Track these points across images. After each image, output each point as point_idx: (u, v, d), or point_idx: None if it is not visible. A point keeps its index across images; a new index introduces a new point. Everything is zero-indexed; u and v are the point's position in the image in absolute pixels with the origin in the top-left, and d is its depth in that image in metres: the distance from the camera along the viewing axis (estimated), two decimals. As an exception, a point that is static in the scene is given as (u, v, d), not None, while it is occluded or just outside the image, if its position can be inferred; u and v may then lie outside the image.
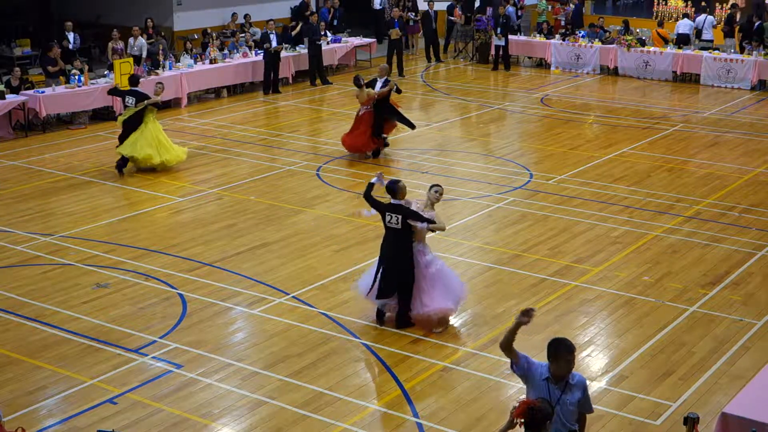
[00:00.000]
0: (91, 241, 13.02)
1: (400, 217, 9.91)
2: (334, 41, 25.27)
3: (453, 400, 8.90)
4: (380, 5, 29.36)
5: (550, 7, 28.56)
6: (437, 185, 10.31)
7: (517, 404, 5.88)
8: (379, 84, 16.79)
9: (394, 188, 10.04)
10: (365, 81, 17.01)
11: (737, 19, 25.90)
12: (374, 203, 10.19)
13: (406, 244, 10.05)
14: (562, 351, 6.38)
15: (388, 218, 10.02)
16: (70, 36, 22.11)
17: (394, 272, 10.11)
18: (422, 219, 9.91)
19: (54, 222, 13.83)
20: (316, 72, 23.78)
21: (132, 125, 15.95)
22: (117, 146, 16.13)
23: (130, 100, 15.93)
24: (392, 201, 10.07)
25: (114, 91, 17.24)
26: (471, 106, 21.67)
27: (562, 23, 27.41)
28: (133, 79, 16.49)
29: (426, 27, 26.85)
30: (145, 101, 15.90)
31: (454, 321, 10.63)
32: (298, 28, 24.32)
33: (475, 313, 10.82)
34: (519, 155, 17.41)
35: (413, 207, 10.05)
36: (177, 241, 12.99)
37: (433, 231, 10.28)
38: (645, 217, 13.91)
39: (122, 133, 16.09)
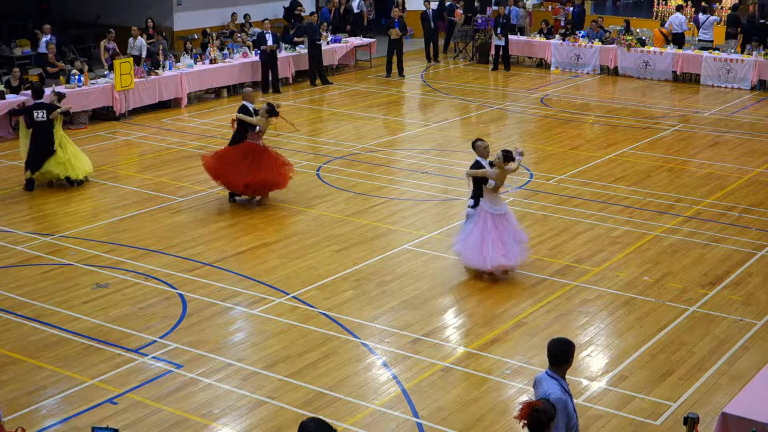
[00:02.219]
0: (91, 241, 13.01)
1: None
2: (334, 41, 25.26)
3: (453, 400, 8.89)
4: (357, 9, 29.15)
5: (550, 7, 28.53)
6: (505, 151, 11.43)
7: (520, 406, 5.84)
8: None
9: (473, 146, 11.86)
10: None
11: (741, 20, 25.82)
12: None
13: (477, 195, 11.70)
14: (574, 352, 6.44)
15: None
16: (44, 39, 21.88)
17: None
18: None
19: (54, 222, 13.83)
20: (316, 72, 23.78)
21: (42, 142, 14.95)
22: (30, 170, 15.08)
23: (41, 114, 14.92)
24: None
25: (15, 111, 15.70)
26: (471, 106, 21.66)
27: (562, 23, 27.40)
28: (37, 92, 15.37)
29: (426, 27, 26.84)
30: (56, 111, 15.15)
31: (455, 321, 10.65)
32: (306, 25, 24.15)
33: (475, 313, 10.82)
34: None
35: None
36: (177, 241, 12.98)
37: (484, 184, 11.41)
38: (645, 217, 13.90)
39: (34, 154, 15.02)
